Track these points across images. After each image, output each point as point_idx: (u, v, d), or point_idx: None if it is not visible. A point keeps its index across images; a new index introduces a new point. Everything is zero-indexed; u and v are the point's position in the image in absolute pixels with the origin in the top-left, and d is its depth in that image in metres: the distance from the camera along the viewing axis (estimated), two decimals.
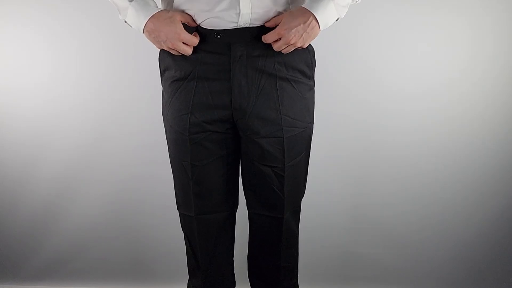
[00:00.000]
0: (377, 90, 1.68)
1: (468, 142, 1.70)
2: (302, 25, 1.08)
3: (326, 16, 1.11)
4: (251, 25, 1.10)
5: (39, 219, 1.82)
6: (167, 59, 1.19)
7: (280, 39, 1.09)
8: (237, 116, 1.15)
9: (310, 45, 1.21)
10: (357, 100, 1.69)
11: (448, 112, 1.68)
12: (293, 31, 1.07)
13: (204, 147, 1.20)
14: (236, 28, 1.10)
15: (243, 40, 1.10)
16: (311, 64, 1.21)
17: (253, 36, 1.11)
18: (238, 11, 1.08)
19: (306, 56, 1.19)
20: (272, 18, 1.10)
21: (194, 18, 1.12)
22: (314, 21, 1.09)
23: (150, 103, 1.70)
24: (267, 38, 1.09)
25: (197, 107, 1.15)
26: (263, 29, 1.11)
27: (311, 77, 1.22)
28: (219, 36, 1.10)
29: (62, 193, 1.81)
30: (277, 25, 1.09)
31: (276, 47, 1.10)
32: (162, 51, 1.21)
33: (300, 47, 1.12)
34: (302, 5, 1.13)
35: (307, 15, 1.09)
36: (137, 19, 1.13)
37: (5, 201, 1.82)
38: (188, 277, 1.42)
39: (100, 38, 1.69)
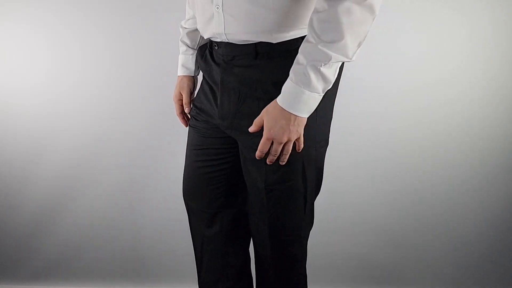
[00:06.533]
0: (378, 89, 1.68)
1: (468, 141, 1.70)
2: (284, 122, 0.97)
3: (308, 107, 0.97)
4: (235, 42, 1.08)
5: (39, 219, 1.82)
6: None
7: (272, 143, 0.99)
8: (223, 126, 1.15)
9: None
10: (357, 100, 1.69)
11: (448, 111, 1.68)
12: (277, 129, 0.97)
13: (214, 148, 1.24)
14: (228, 42, 1.09)
15: (233, 53, 1.09)
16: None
17: (241, 50, 1.08)
18: (221, 31, 1.07)
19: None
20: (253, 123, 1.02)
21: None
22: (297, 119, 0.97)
23: (150, 103, 1.70)
24: (261, 148, 1.00)
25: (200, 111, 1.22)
26: (248, 45, 1.07)
27: None
28: (217, 47, 1.12)
29: (62, 193, 1.81)
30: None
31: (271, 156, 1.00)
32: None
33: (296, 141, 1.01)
34: (277, 99, 0.99)
35: (288, 116, 0.97)
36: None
37: (5, 201, 1.82)
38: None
39: (101, 38, 1.68)
